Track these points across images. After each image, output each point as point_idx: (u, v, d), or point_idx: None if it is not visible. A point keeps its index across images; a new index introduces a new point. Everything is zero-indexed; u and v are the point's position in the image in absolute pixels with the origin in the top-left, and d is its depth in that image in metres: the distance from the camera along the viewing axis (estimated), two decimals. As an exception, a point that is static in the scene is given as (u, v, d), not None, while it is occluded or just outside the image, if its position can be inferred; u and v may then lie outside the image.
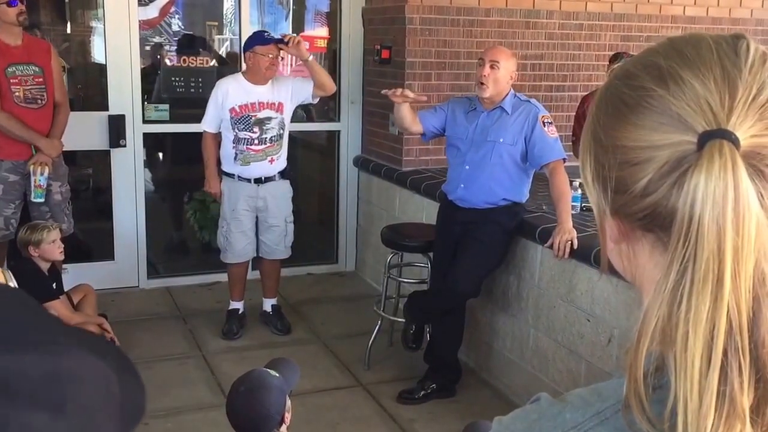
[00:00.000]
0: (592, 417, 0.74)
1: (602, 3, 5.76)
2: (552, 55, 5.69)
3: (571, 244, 3.65)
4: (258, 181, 4.70)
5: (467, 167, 3.97)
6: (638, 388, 0.66)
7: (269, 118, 4.62)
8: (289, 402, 2.44)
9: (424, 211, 4.99)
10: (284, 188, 4.84)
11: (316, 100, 4.91)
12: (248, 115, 4.58)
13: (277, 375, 2.45)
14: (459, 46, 5.39)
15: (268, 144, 4.65)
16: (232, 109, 4.57)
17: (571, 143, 5.37)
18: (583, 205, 4.08)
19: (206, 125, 4.71)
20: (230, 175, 4.71)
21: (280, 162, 4.76)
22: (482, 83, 3.85)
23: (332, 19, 6.02)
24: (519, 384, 4.16)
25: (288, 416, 2.43)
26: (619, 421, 0.70)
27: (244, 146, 4.62)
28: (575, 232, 3.69)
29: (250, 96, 4.57)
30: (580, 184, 4.29)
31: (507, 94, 3.91)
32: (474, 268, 3.97)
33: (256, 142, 4.63)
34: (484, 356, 4.46)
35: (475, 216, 3.96)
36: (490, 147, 3.90)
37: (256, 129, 4.60)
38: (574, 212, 4.02)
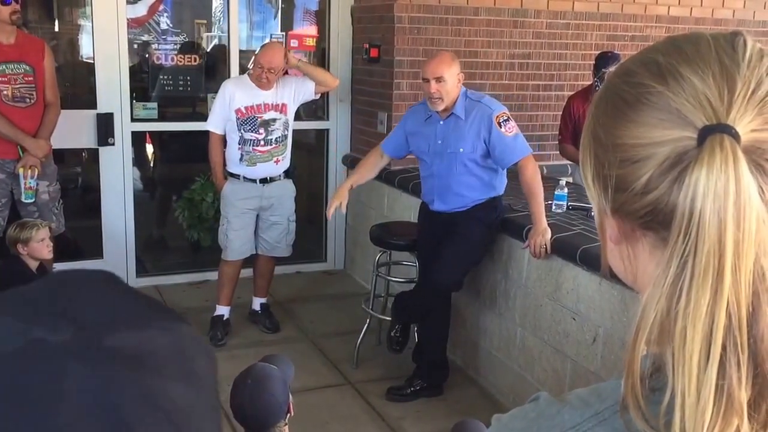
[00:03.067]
0: (590, 418, 0.74)
1: (589, 3, 5.80)
2: (539, 54, 5.72)
3: (547, 246, 3.68)
4: (264, 181, 4.72)
5: (437, 180, 3.98)
6: (635, 384, 0.66)
7: (274, 120, 4.65)
8: (290, 393, 2.49)
9: (412, 210, 5.00)
10: (288, 187, 4.87)
11: (318, 96, 4.97)
12: (254, 117, 4.61)
13: (276, 367, 2.49)
14: (447, 45, 5.40)
15: (274, 145, 4.67)
16: (238, 110, 4.60)
17: (557, 142, 5.41)
18: (569, 204, 4.10)
19: (212, 126, 4.71)
20: (235, 176, 4.72)
21: (285, 162, 4.78)
22: (433, 99, 3.82)
23: (321, 17, 6.02)
24: (505, 383, 4.19)
25: (292, 406, 2.48)
26: (617, 422, 0.70)
27: (251, 147, 4.63)
28: (549, 232, 3.70)
29: (255, 98, 4.60)
30: (567, 183, 4.33)
31: (458, 98, 3.86)
32: (454, 260, 3.97)
33: (261, 143, 4.65)
34: (471, 355, 4.49)
35: (455, 217, 3.99)
36: (452, 158, 3.89)
37: (261, 130, 4.62)
38: (560, 211, 4.06)
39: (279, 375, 2.46)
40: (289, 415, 2.47)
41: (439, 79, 3.77)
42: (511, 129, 3.82)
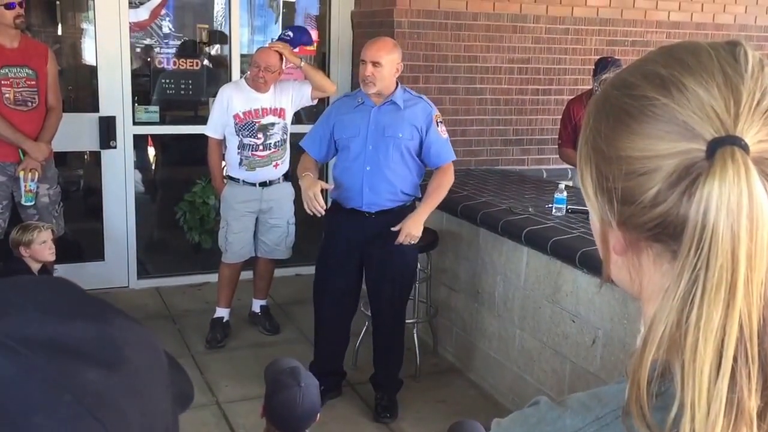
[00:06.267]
0: (592, 422, 0.74)
1: (588, 8, 5.83)
2: (538, 59, 5.75)
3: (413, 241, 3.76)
4: (263, 184, 4.73)
5: (368, 167, 3.79)
6: (640, 394, 0.66)
7: (272, 124, 4.66)
8: None
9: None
10: (287, 190, 4.87)
11: (315, 102, 4.97)
12: (252, 122, 4.61)
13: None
14: (447, 50, 5.45)
15: (273, 149, 4.68)
16: (236, 116, 4.60)
17: (556, 146, 5.44)
18: (568, 207, 4.13)
19: (210, 131, 4.72)
20: (235, 180, 4.74)
21: (284, 166, 4.80)
22: (367, 81, 3.73)
23: (321, 22, 6.05)
24: (504, 384, 4.21)
25: (319, 416, 2.54)
26: (618, 426, 0.70)
27: (249, 152, 4.64)
28: (421, 230, 3.77)
29: (253, 102, 4.60)
30: (566, 186, 4.35)
31: (396, 88, 3.82)
32: (404, 302, 4.08)
33: (260, 147, 4.65)
34: (470, 357, 4.51)
35: (380, 224, 3.83)
36: (389, 143, 3.76)
37: (260, 135, 4.62)
38: (559, 214, 4.08)
39: (317, 383, 2.53)
40: (314, 422, 2.52)
41: (375, 64, 3.71)
42: (445, 132, 3.87)
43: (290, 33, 4.91)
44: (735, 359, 0.64)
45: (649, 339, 0.67)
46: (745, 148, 0.65)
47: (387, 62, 3.73)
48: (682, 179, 0.67)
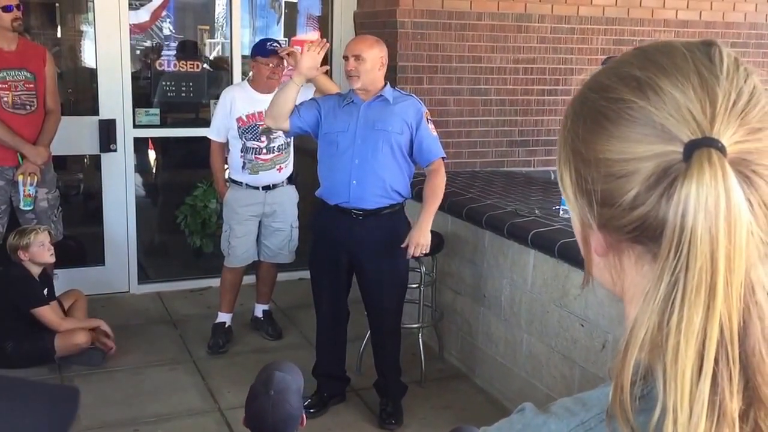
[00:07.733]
0: (576, 427, 0.74)
1: (594, 7, 5.77)
2: (544, 59, 5.69)
3: (426, 250, 3.73)
4: (266, 188, 4.68)
5: (357, 161, 3.73)
6: (624, 397, 0.66)
7: None
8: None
9: (415, 216, 4.96)
10: (291, 194, 4.83)
11: None
12: (255, 125, 4.54)
13: (292, 378, 2.52)
14: (451, 50, 5.39)
15: (276, 153, 4.63)
16: (239, 119, 4.55)
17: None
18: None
19: (213, 134, 4.67)
20: (238, 183, 4.68)
21: (288, 169, 4.75)
22: (350, 75, 3.73)
23: (324, 22, 6.01)
24: (512, 389, 4.15)
25: (305, 418, 2.52)
26: (603, 430, 0.71)
27: (253, 155, 4.59)
28: (429, 238, 3.72)
29: (257, 105, 4.52)
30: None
31: (385, 86, 3.80)
32: (399, 308, 4.02)
33: (264, 151, 4.60)
34: (477, 361, 4.44)
35: (368, 228, 3.79)
36: (379, 136, 3.72)
37: (263, 138, 4.56)
38: (567, 216, 4.01)
39: (296, 386, 2.49)
40: (301, 427, 2.47)
41: (357, 57, 3.71)
42: (434, 130, 3.84)
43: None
44: (716, 361, 0.64)
45: (631, 341, 0.67)
46: (721, 149, 0.65)
47: (369, 57, 3.71)
48: (660, 181, 0.67)
